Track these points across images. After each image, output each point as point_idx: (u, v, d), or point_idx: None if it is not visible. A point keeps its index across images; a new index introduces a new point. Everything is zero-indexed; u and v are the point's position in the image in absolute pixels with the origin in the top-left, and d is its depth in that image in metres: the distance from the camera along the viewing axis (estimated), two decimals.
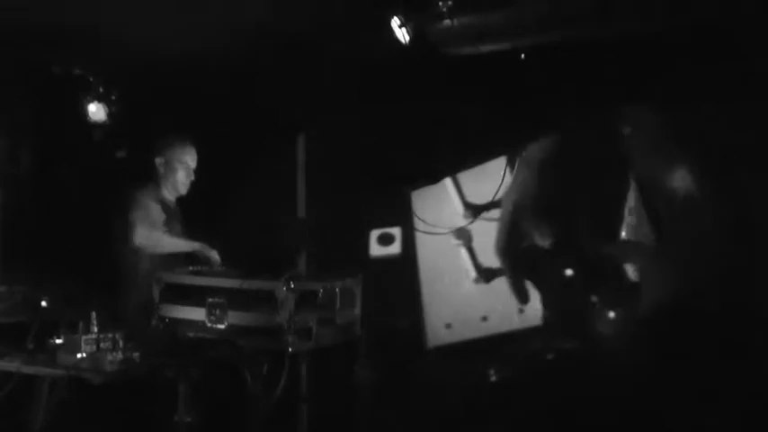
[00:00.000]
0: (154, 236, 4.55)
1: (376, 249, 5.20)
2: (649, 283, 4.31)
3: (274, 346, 3.80)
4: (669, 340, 4.29)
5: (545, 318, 4.54)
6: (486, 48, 4.39)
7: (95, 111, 5.24)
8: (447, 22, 4.03)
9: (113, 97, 5.24)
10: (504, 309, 4.60)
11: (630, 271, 4.28)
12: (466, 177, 5.08)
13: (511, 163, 4.75)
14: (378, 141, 5.38)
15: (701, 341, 4.12)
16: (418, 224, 5.08)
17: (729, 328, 4.12)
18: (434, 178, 5.59)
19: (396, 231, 5.23)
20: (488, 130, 5.00)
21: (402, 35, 4.18)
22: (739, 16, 4.06)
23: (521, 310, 4.60)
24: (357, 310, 4.25)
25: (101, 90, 5.22)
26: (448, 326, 4.94)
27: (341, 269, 4.42)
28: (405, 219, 5.29)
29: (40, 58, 5.05)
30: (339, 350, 4.19)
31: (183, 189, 4.81)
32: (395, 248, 5.18)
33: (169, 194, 4.82)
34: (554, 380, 4.39)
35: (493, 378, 4.23)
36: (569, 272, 4.54)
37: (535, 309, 4.34)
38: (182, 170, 4.77)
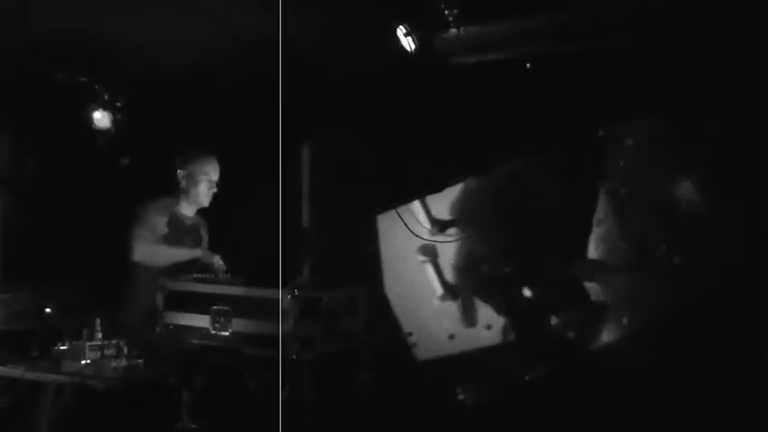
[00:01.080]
0: (152, 250, 4.54)
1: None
2: (659, 292, 4.40)
3: (278, 353, 3.79)
4: (673, 348, 4.32)
5: (508, 339, 4.63)
6: (491, 57, 4.41)
7: (100, 118, 5.25)
8: (453, 30, 4.04)
9: (118, 104, 5.24)
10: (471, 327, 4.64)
11: (598, 291, 4.36)
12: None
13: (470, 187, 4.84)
14: (379, 151, 5.39)
15: (706, 349, 4.15)
16: (418, 230, 5.05)
17: (736, 335, 4.14)
18: (437, 189, 5.62)
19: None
20: (488, 138, 5.04)
21: (408, 44, 4.19)
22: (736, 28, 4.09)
23: (488, 327, 4.62)
24: (360, 319, 4.25)
25: (106, 97, 5.22)
26: (414, 345, 4.89)
27: (344, 278, 4.42)
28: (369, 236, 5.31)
29: (44, 66, 5.06)
30: (342, 358, 4.19)
31: (206, 201, 4.82)
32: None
33: (188, 208, 4.82)
34: (527, 400, 4.40)
35: (461, 397, 4.49)
36: (527, 292, 4.75)
37: (503, 324, 4.50)
38: (204, 182, 4.77)
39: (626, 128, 4.72)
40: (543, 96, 4.60)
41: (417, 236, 5.08)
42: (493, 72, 4.56)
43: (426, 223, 5.14)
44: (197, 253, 4.63)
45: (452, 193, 5.04)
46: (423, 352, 4.77)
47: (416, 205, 5.22)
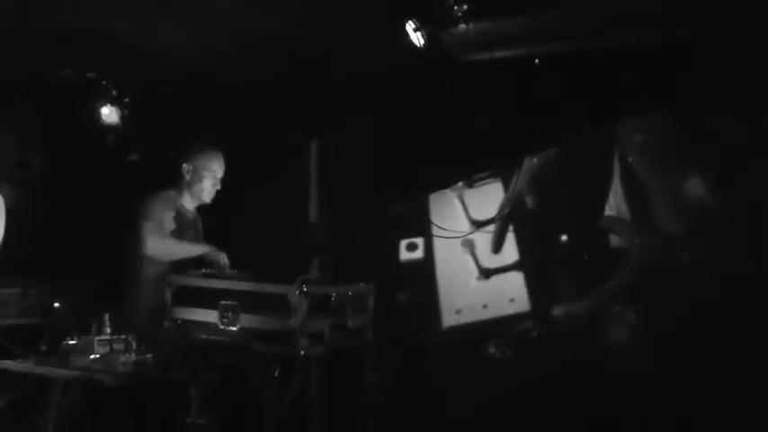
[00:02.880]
0: (165, 244, 4.50)
1: (404, 255, 6.07)
2: (668, 288, 4.55)
3: (286, 349, 3.79)
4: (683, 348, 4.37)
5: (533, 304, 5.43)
6: (500, 54, 4.40)
7: (108, 113, 5.24)
8: (462, 26, 4.02)
9: (126, 100, 5.23)
10: (499, 299, 5.67)
11: (615, 240, 4.99)
12: (470, 196, 5.87)
13: (508, 181, 5.60)
14: (389, 147, 5.40)
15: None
16: (437, 231, 5.82)
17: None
18: (444, 185, 5.64)
19: (419, 240, 6.01)
20: (496, 137, 5.06)
21: (417, 39, 4.17)
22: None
23: (511, 300, 5.62)
24: (369, 315, 4.24)
25: (114, 93, 5.21)
26: (458, 311, 5.85)
27: (354, 274, 4.42)
28: (425, 229, 5.95)
29: (52, 62, 5.06)
30: (351, 354, 4.19)
31: (208, 198, 4.75)
32: (419, 254, 6.04)
33: (190, 202, 4.77)
34: (537, 352, 5.18)
35: (491, 350, 5.49)
36: (564, 237, 5.37)
37: (522, 298, 5.50)
38: (208, 179, 4.70)
39: (635, 125, 4.74)
40: (552, 92, 4.60)
41: (437, 236, 5.83)
42: (501, 68, 4.56)
43: (466, 223, 5.83)
44: (205, 249, 4.61)
45: (487, 196, 5.78)
46: (464, 317, 5.81)
47: (458, 207, 5.86)
